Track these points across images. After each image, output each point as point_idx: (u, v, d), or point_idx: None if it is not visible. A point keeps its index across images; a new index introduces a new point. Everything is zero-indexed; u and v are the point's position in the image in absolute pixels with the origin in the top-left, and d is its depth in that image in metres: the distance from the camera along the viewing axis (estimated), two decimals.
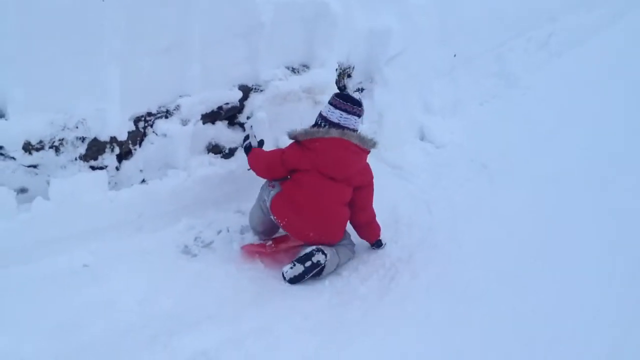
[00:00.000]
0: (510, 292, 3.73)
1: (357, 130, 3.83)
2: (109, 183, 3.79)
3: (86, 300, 3.22)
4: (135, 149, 3.95)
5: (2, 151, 3.41)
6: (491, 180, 5.17)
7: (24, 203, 3.45)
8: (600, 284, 3.81)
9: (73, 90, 3.56)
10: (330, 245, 3.79)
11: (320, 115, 3.83)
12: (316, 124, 3.83)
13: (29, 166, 3.53)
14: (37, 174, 3.57)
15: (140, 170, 3.98)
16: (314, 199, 3.70)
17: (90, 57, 3.55)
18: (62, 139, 3.57)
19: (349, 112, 3.77)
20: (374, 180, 4.01)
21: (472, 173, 5.27)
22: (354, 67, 5.35)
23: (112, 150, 3.80)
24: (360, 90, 5.43)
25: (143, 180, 3.98)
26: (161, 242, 3.81)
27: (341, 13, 4.88)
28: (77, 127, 3.60)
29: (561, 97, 6.60)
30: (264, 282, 3.67)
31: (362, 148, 3.81)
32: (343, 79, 5.31)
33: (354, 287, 3.71)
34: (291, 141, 3.85)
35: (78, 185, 3.58)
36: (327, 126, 3.76)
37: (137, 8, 3.65)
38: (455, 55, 6.24)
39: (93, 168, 3.75)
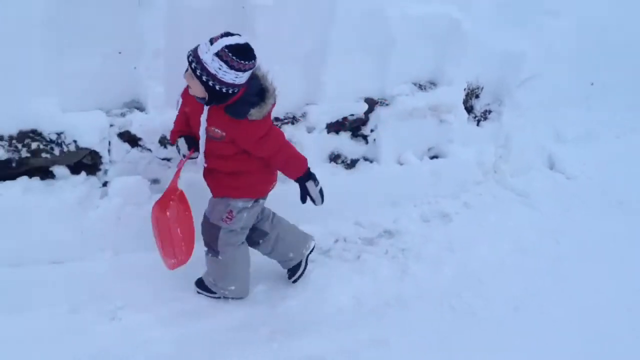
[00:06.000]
0: None
1: None
2: None
3: None
4: None
5: (141, 143, 3.77)
6: (627, 218, 5.03)
7: (156, 193, 3.75)
8: None
9: None
10: None
11: (221, 81, 2.92)
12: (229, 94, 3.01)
13: (163, 159, 3.87)
14: (169, 167, 3.89)
15: None
16: None
17: None
18: None
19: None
20: None
21: (605, 208, 5.16)
22: (482, 88, 5.41)
23: None
24: (488, 112, 5.48)
25: None
26: None
27: (473, 32, 4.98)
28: None
29: None
30: (385, 293, 3.77)
31: None
32: (470, 99, 5.38)
33: (475, 311, 3.72)
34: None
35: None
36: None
37: (282, 14, 3.94)
38: (592, 84, 6.15)
39: None
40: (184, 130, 3.30)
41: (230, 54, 2.87)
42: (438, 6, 4.86)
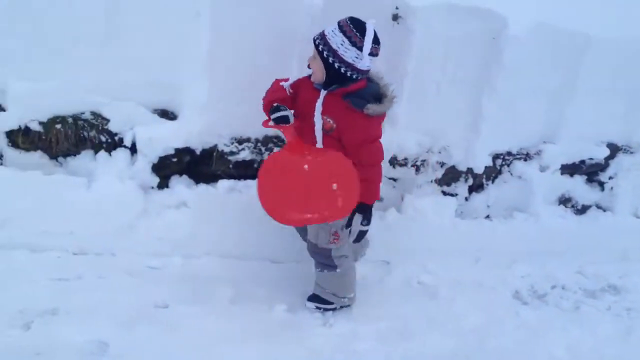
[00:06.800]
0: None
1: None
2: (456, 210, 4.12)
3: (420, 313, 3.54)
4: (487, 184, 4.24)
5: None
6: None
7: (378, 210, 3.93)
8: None
9: (445, 117, 3.95)
10: None
11: (342, 59, 2.89)
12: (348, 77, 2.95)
13: (390, 178, 4.03)
14: (394, 187, 4.07)
15: (487, 206, 4.25)
16: None
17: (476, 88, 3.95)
18: (424, 161, 4.00)
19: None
20: None
21: None
22: None
23: (466, 181, 4.14)
24: None
25: (487, 216, 4.25)
26: (496, 280, 3.98)
27: None
28: (439, 152, 4.00)
29: None
30: (605, 352, 3.53)
31: None
32: None
33: None
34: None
35: (428, 205, 4.00)
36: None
37: (533, 47, 3.92)
38: None
39: (444, 193, 4.13)
40: (285, 100, 3.13)
41: (351, 26, 2.87)
42: None
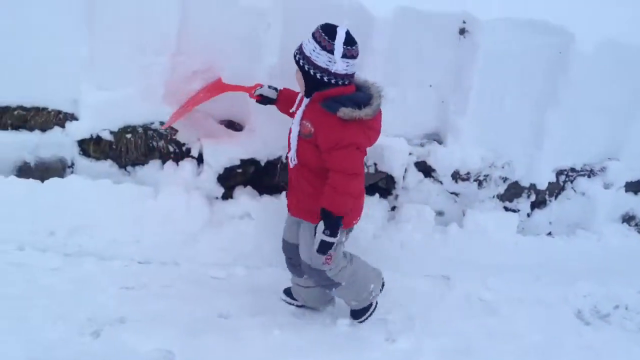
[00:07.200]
0: None
1: None
2: (517, 226, 4.08)
3: (481, 330, 3.51)
4: (550, 201, 4.20)
5: (434, 174, 3.95)
6: None
7: (439, 224, 3.94)
8: None
9: (508, 131, 3.94)
10: None
11: (315, 64, 2.91)
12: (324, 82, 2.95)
13: (452, 193, 4.02)
14: (455, 202, 4.05)
15: (550, 223, 4.21)
16: None
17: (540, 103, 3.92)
18: (487, 175, 3.98)
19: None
20: None
21: None
22: None
23: (528, 197, 4.12)
24: None
25: (549, 233, 4.21)
26: (558, 298, 3.91)
27: None
28: (502, 167, 3.98)
29: None
30: None
31: None
32: None
33: None
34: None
35: (490, 221, 3.97)
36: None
37: (599, 63, 3.89)
38: None
39: (506, 209, 4.11)
40: (284, 93, 3.34)
41: (321, 31, 2.88)
42: None
